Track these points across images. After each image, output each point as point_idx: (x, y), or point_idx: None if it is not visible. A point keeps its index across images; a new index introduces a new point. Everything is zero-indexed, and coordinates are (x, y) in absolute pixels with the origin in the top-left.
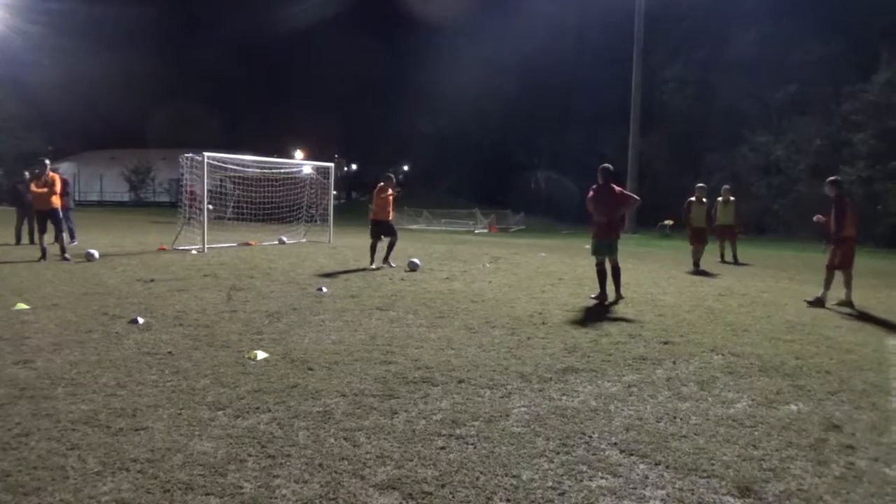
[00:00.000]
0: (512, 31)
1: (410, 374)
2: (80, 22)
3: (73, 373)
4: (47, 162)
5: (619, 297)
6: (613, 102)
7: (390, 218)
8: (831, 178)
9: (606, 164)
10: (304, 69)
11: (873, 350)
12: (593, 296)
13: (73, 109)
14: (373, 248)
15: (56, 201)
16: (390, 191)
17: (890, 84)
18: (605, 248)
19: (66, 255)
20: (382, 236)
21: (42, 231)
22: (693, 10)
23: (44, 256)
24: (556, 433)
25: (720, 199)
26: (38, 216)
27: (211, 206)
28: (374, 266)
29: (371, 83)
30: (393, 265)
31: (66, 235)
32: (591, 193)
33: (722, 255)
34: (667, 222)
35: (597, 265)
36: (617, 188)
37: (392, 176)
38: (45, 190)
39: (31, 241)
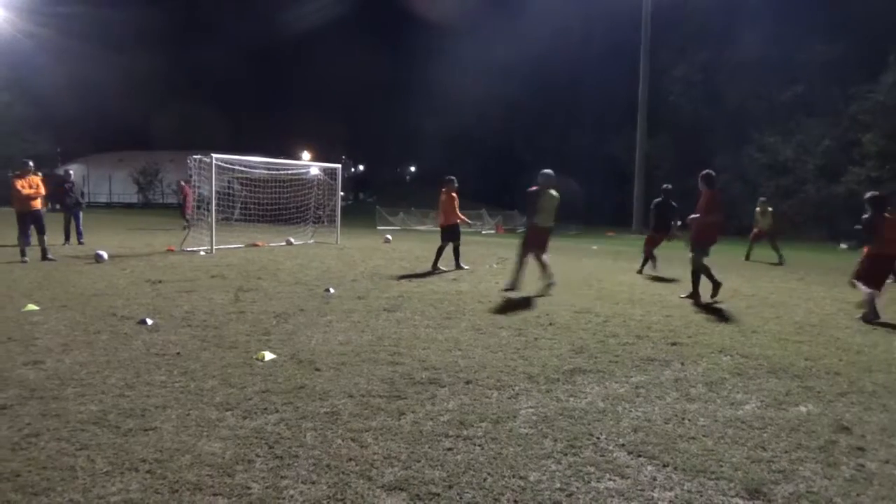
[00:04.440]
0: (518, 33)
1: (418, 374)
2: (88, 25)
3: (82, 373)
4: (31, 164)
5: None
6: (619, 103)
7: (454, 221)
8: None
9: (710, 171)
10: (311, 71)
11: (883, 351)
12: (714, 294)
13: (81, 112)
14: (440, 252)
15: (38, 203)
16: (454, 194)
17: None
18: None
19: (49, 256)
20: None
21: (23, 234)
22: (699, 10)
23: (25, 256)
24: (564, 434)
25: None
26: (21, 218)
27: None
28: (446, 268)
29: (377, 84)
30: (465, 267)
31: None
32: (715, 198)
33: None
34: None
35: (705, 266)
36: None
37: (453, 178)
38: (33, 191)
39: (66, 241)
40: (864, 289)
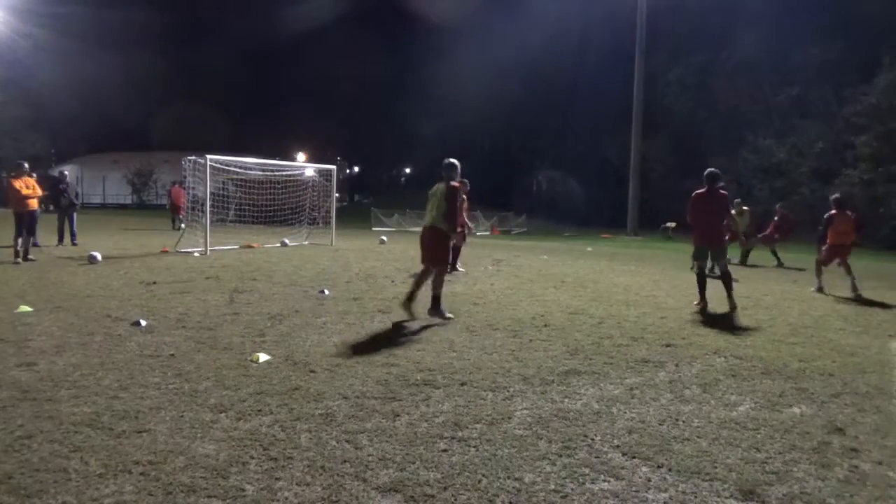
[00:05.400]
0: (515, 34)
1: (412, 376)
2: (83, 25)
3: (75, 375)
4: (26, 165)
5: (732, 305)
6: (616, 105)
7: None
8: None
9: (714, 169)
10: (307, 72)
11: (876, 353)
12: (696, 304)
13: (76, 112)
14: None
15: (35, 204)
16: (464, 196)
17: (891, 86)
18: (707, 254)
19: (30, 257)
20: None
21: (20, 234)
22: (695, 13)
23: (19, 256)
24: (559, 436)
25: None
26: (19, 218)
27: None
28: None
29: (374, 86)
30: (460, 269)
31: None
32: (695, 199)
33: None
34: (669, 224)
35: (697, 271)
36: (724, 192)
37: (465, 182)
38: (31, 192)
39: (60, 242)
40: (817, 281)
